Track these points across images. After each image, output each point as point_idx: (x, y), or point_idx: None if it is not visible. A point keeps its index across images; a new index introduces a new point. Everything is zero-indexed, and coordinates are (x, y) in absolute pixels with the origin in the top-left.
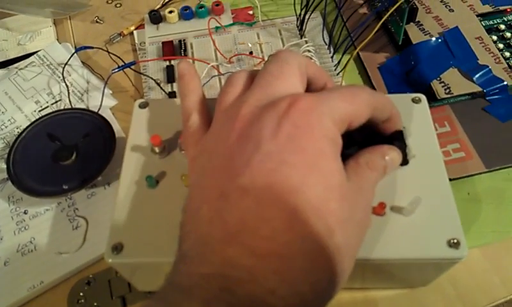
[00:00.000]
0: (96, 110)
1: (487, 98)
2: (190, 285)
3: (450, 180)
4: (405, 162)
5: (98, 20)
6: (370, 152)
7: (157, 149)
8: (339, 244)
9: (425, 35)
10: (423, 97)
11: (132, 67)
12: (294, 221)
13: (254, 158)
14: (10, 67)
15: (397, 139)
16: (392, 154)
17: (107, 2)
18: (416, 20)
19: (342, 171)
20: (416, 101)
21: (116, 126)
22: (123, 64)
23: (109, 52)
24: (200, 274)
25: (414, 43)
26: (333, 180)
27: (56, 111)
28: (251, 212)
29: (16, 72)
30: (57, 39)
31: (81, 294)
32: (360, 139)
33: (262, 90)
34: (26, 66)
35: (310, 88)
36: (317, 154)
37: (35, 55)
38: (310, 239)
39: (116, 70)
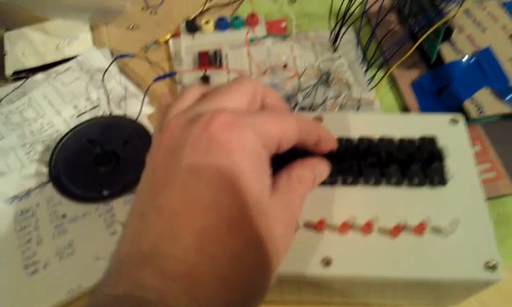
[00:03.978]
0: (134, 118)
1: None
2: (103, 305)
3: None
4: (444, 182)
5: (133, 27)
6: (302, 166)
7: None
8: (252, 264)
9: (457, 54)
10: (461, 118)
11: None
12: (205, 242)
13: (172, 176)
14: (49, 71)
15: (436, 159)
16: (320, 166)
17: (142, 9)
18: (450, 38)
19: (261, 187)
20: (454, 121)
21: None
22: (163, 73)
23: (149, 61)
24: (114, 295)
25: (447, 61)
26: (249, 197)
27: (96, 117)
28: (164, 233)
29: (55, 77)
30: (94, 45)
31: None
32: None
33: (198, 106)
34: (65, 71)
35: None
36: (234, 171)
37: (74, 60)
38: (220, 260)
39: (158, 80)
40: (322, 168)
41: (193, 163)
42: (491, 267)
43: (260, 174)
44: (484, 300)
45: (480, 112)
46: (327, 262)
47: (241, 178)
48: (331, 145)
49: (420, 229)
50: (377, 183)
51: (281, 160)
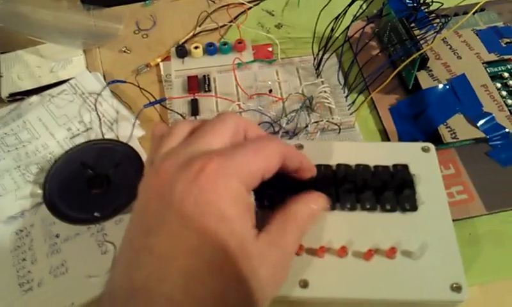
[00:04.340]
0: (126, 141)
1: (490, 144)
2: None
3: (452, 220)
4: (414, 208)
5: (125, 50)
6: (301, 202)
7: None
8: (235, 302)
9: (434, 80)
10: (432, 146)
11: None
12: (189, 282)
13: (162, 220)
14: (43, 93)
15: (408, 186)
16: (318, 202)
17: (134, 32)
18: (426, 66)
19: (245, 230)
20: (425, 149)
21: (144, 157)
22: (154, 100)
23: (140, 87)
24: None
25: (423, 88)
26: (232, 241)
27: (89, 141)
28: (154, 272)
29: (50, 99)
30: (87, 68)
31: None
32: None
33: (189, 146)
34: (59, 94)
35: None
36: (221, 216)
37: (67, 83)
38: (204, 299)
39: (148, 106)
40: (321, 202)
41: (182, 211)
42: (457, 288)
43: (244, 218)
44: None
45: (454, 136)
46: (304, 284)
47: (225, 224)
48: (311, 173)
49: (391, 252)
50: (352, 208)
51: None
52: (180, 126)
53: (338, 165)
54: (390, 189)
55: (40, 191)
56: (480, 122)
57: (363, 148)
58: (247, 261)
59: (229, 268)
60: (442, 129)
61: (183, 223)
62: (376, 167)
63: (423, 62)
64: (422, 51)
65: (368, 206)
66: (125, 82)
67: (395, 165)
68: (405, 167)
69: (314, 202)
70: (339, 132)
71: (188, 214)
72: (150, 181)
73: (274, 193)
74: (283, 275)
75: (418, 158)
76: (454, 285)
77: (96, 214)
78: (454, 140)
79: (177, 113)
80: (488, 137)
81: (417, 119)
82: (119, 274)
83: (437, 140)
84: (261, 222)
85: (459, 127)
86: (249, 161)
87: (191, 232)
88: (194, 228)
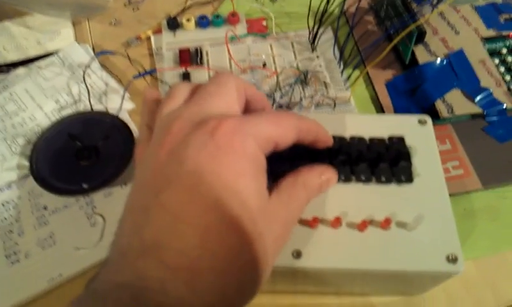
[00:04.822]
0: (115, 113)
1: (486, 119)
2: (104, 292)
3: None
4: (410, 180)
5: (116, 23)
6: (309, 172)
7: None
8: (249, 260)
9: (431, 56)
10: (429, 119)
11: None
12: (205, 238)
13: (176, 175)
14: (31, 65)
15: (403, 158)
16: (328, 174)
17: (124, 5)
18: (423, 40)
19: (260, 191)
20: (422, 122)
21: (134, 129)
22: (144, 71)
23: (129, 58)
24: (115, 283)
25: (420, 63)
26: (250, 199)
27: (77, 112)
28: (167, 227)
29: (37, 71)
30: (76, 40)
31: None
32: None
33: (196, 107)
34: (47, 66)
35: (249, 110)
36: (236, 174)
37: (55, 55)
38: (220, 256)
39: (138, 77)
40: (331, 176)
41: (198, 166)
42: (453, 260)
43: (260, 177)
44: (449, 290)
45: (451, 111)
46: (297, 254)
47: (242, 181)
48: (327, 143)
49: (386, 224)
50: (347, 179)
51: (285, 157)
52: (180, 87)
53: (333, 136)
54: (385, 161)
55: (26, 163)
56: (478, 97)
57: (359, 120)
58: (263, 219)
59: (246, 225)
60: (439, 104)
61: (198, 178)
62: (371, 139)
63: (420, 36)
64: (418, 22)
65: (363, 178)
66: (113, 53)
67: (390, 138)
68: (401, 140)
69: (325, 174)
70: (334, 107)
71: (204, 170)
72: (159, 140)
73: (282, 164)
74: (286, 239)
75: (415, 131)
76: (450, 256)
77: (84, 186)
78: (451, 115)
79: (169, 85)
80: (485, 112)
81: (414, 94)
82: (127, 232)
83: (433, 115)
84: (269, 190)
85: (456, 102)
86: (265, 126)
87: (207, 188)
88: (210, 184)
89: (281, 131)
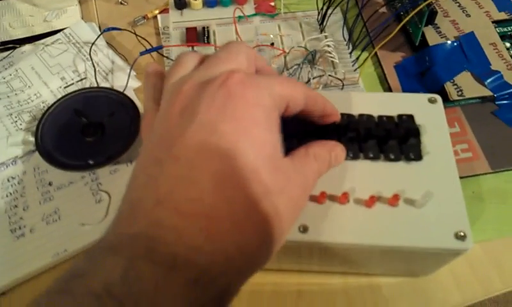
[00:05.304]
0: (121, 91)
1: (496, 103)
2: (117, 243)
3: None
4: (419, 157)
5: (122, 2)
6: (319, 146)
7: None
8: (267, 213)
9: (441, 38)
10: (439, 98)
11: (158, 51)
12: (221, 185)
13: (189, 128)
14: (37, 43)
15: (413, 135)
16: (336, 150)
17: None
18: (434, 22)
19: (275, 144)
20: (432, 101)
21: (140, 106)
22: (150, 47)
23: (136, 35)
24: (128, 234)
25: (430, 45)
26: (265, 150)
27: (83, 89)
28: (181, 176)
29: (43, 48)
30: (82, 18)
31: None
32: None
33: (206, 70)
34: (53, 43)
35: None
36: (250, 123)
37: (61, 32)
38: (237, 203)
39: (144, 53)
40: (339, 152)
41: (210, 116)
42: (461, 237)
43: (274, 131)
44: (456, 272)
45: (460, 94)
46: (304, 229)
47: (256, 130)
48: (335, 117)
49: (394, 200)
50: (355, 157)
51: (293, 135)
52: (188, 55)
53: (342, 114)
54: (394, 138)
55: (32, 139)
56: (488, 80)
57: (367, 98)
58: (279, 176)
59: (265, 176)
60: (449, 86)
61: (211, 128)
62: (380, 117)
63: (431, 16)
64: (429, 0)
65: (371, 155)
66: (120, 29)
67: (400, 115)
68: (410, 117)
69: (334, 151)
70: (342, 88)
71: (217, 119)
72: (170, 103)
73: (291, 141)
74: (302, 205)
75: (425, 109)
76: (459, 233)
77: (90, 161)
78: (461, 98)
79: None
80: (495, 95)
81: (423, 76)
82: (139, 187)
83: (443, 98)
84: None
85: (466, 85)
86: (278, 84)
87: (220, 136)
88: (224, 133)
89: (293, 92)
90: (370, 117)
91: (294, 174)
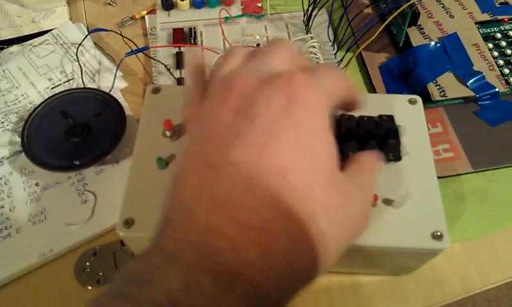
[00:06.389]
0: (108, 91)
1: (479, 103)
2: (175, 251)
3: (438, 177)
4: (398, 158)
5: (110, 2)
6: (369, 157)
7: (168, 133)
8: (324, 231)
9: (425, 38)
10: (419, 99)
11: (144, 52)
12: (278, 201)
13: (247, 133)
14: (24, 43)
15: (392, 136)
16: (380, 159)
17: None
18: (418, 23)
19: (332, 157)
20: (412, 102)
21: (126, 107)
22: (136, 48)
23: (122, 36)
24: (185, 241)
25: (414, 45)
26: (324, 164)
27: (69, 89)
28: (239, 185)
29: (30, 49)
30: (71, 19)
31: (87, 264)
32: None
33: (256, 65)
34: (40, 44)
35: None
36: (310, 132)
37: (49, 33)
38: (292, 220)
39: (130, 54)
40: (381, 159)
41: (269, 123)
42: (438, 236)
43: (331, 142)
44: (436, 270)
45: (443, 94)
46: None
47: (316, 142)
48: (358, 106)
49: (373, 200)
50: None
51: None
52: (237, 49)
53: None
54: (374, 139)
55: (19, 139)
56: (471, 81)
57: None
58: (336, 193)
59: (318, 194)
60: (431, 87)
61: (270, 135)
62: (361, 117)
63: (414, 17)
64: (412, 1)
65: (350, 155)
66: (106, 30)
67: (380, 116)
68: (390, 118)
69: (380, 160)
70: None
71: (276, 125)
72: (221, 98)
73: None
74: (367, 220)
75: (405, 110)
76: (436, 233)
77: (76, 162)
78: (443, 98)
79: (161, 63)
80: (477, 96)
81: (407, 77)
82: (190, 187)
83: (426, 98)
84: None
85: (448, 85)
86: (333, 78)
87: (279, 146)
88: (282, 142)
89: (338, 85)
90: (351, 117)
91: (352, 191)
